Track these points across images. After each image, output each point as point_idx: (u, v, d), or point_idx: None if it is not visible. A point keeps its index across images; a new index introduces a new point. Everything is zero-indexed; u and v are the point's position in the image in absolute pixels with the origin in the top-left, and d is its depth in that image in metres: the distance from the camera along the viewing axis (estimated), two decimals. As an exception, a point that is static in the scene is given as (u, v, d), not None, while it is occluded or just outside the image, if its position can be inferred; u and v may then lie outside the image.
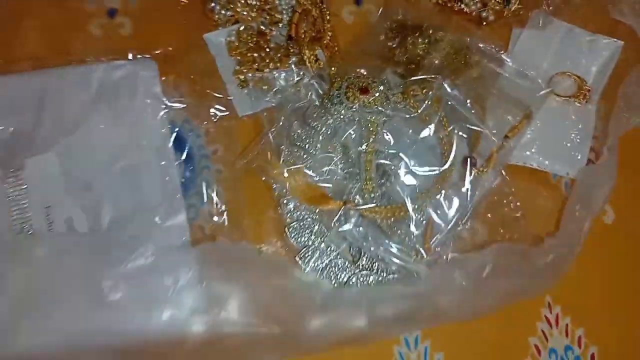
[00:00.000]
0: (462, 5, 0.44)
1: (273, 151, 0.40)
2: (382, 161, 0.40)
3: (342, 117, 0.39)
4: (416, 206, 0.39)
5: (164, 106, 0.41)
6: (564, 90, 0.44)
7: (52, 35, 0.42)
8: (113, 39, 0.43)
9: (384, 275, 0.39)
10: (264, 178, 0.40)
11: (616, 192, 0.40)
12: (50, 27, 0.43)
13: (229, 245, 0.38)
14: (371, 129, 0.39)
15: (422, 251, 0.39)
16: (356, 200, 0.39)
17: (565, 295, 0.40)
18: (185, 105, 0.41)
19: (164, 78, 0.41)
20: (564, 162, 0.42)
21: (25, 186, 0.38)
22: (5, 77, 0.40)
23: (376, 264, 0.39)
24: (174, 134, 0.41)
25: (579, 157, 0.42)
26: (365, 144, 0.39)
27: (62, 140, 0.39)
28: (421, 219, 0.39)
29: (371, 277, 0.39)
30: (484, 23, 0.44)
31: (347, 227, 0.39)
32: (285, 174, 0.39)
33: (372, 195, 0.39)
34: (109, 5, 0.44)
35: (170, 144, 0.40)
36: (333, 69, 0.41)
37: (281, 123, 0.40)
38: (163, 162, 0.40)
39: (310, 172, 0.39)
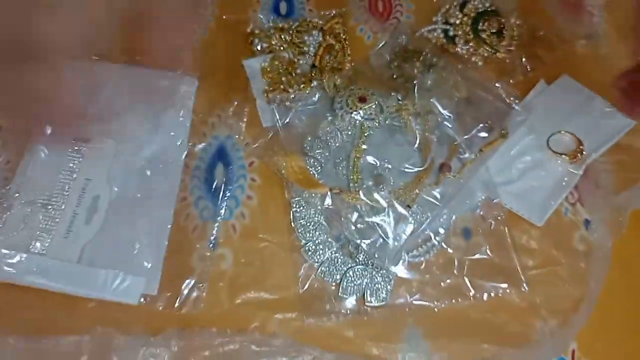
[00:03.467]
0: (457, 49, 0.50)
1: (280, 146, 0.45)
2: (370, 159, 0.45)
3: (343, 119, 0.46)
4: (392, 201, 0.43)
5: (190, 119, 0.46)
6: (560, 145, 0.46)
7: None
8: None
9: (378, 270, 0.42)
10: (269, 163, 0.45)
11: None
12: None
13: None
14: (364, 131, 0.45)
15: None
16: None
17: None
18: (219, 119, 0.47)
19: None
20: (535, 210, 0.45)
21: (81, 158, 0.43)
22: (95, 64, 0.44)
23: (371, 260, 0.43)
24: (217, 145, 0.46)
25: (547, 211, 0.45)
26: (358, 143, 0.45)
27: (113, 122, 0.44)
28: (394, 212, 0.43)
29: (366, 272, 0.42)
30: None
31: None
32: (286, 162, 0.44)
33: (358, 185, 0.44)
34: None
35: (185, 150, 0.45)
36: (340, 80, 0.47)
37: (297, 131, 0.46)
38: (173, 164, 0.45)
39: (313, 170, 0.45)
